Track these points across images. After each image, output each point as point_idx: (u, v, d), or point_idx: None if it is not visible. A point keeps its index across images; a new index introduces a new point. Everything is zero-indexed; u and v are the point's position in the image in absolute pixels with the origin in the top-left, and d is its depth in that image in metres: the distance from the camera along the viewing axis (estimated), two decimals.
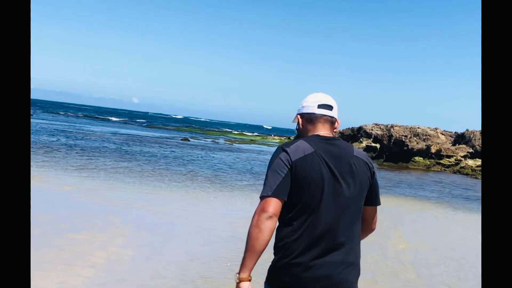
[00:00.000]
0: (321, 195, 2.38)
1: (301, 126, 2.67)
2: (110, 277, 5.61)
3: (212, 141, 43.65)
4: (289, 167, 2.37)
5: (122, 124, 60.01)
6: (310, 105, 2.63)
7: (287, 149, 2.43)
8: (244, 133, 75.22)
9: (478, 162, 37.83)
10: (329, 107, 2.63)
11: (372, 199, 2.60)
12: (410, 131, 41.09)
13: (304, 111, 2.65)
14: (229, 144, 42.13)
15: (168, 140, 36.04)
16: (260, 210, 2.33)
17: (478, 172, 34.70)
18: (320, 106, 2.61)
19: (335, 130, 2.66)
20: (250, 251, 2.34)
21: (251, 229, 2.33)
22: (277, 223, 2.41)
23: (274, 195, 2.33)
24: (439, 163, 37.13)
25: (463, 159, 39.37)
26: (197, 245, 7.37)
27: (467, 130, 44.96)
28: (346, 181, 2.44)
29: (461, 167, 36.31)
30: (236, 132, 76.87)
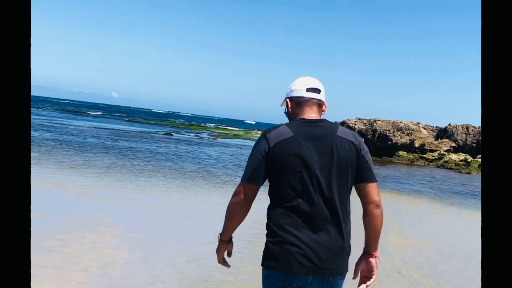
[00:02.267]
0: (302, 177, 2.48)
1: (290, 109, 2.75)
2: (105, 282, 5.25)
3: (196, 135, 43.37)
4: (264, 154, 2.51)
5: (105, 119, 59.24)
6: (299, 88, 2.71)
7: (267, 135, 2.55)
8: (227, 128, 74.93)
9: (462, 156, 38.02)
10: (317, 91, 2.71)
11: (364, 176, 2.60)
12: (392, 126, 41.14)
13: (293, 94, 2.73)
14: (213, 138, 41.85)
15: (151, 134, 35.60)
16: (235, 194, 2.58)
17: (462, 166, 34.88)
18: (308, 90, 2.69)
19: (322, 113, 2.74)
20: (226, 226, 2.71)
21: (227, 209, 2.65)
22: (269, 203, 2.60)
23: (247, 180, 2.53)
24: (422, 158, 37.20)
25: (446, 153, 39.53)
26: (193, 246, 7.03)
27: (449, 124, 45.16)
28: (326, 162, 2.51)
29: (445, 161, 36.43)
30: (220, 127, 76.61)
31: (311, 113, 2.68)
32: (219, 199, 11.30)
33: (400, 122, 46.59)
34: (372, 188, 2.61)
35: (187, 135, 42.76)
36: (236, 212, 2.61)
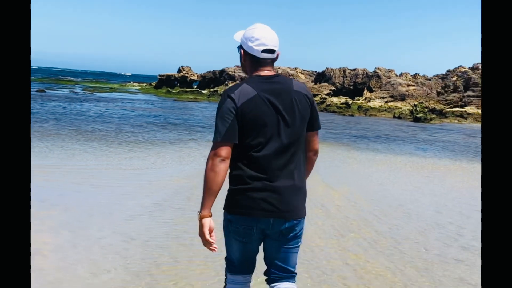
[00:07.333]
0: (268, 130, 2.64)
1: (243, 59, 2.84)
2: (41, 279, 4.28)
3: (70, 91, 41.28)
4: (234, 113, 2.60)
5: None
6: (255, 48, 2.73)
7: (232, 95, 2.63)
8: (101, 81, 72.41)
9: (342, 99, 39.21)
10: (272, 51, 2.76)
11: (313, 125, 2.85)
12: None
13: (249, 51, 2.77)
14: (89, 93, 40.00)
15: None
16: (213, 154, 2.61)
17: (344, 109, 35.98)
18: (264, 51, 2.73)
19: (275, 62, 2.84)
20: (208, 192, 2.64)
21: (207, 173, 2.61)
22: (232, 155, 2.66)
23: (223, 140, 2.59)
24: None
25: (327, 97, 40.49)
26: (121, 220, 6.19)
27: (327, 68, 46.30)
28: (289, 116, 2.68)
29: (327, 105, 37.33)
30: (94, 80, 73.87)
31: (265, 71, 2.77)
32: (129, 161, 10.42)
33: (279, 68, 47.01)
34: (316, 136, 2.90)
35: (61, 91, 40.37)
36: (218, 175, 2.60)
